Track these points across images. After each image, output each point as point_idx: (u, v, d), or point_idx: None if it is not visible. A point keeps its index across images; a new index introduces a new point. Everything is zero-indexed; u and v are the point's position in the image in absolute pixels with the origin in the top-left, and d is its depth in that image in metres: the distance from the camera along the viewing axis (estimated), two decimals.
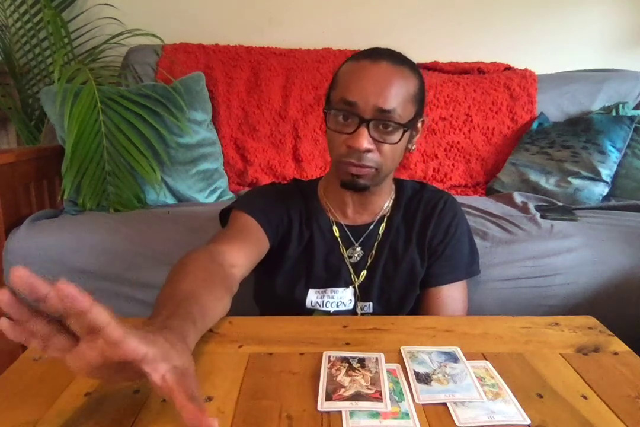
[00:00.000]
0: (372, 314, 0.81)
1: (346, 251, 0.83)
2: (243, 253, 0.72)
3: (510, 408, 0.46)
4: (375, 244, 0.83)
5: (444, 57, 1.87)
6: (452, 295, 0.82)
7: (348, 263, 0.82)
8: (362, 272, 0.82)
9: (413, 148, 0.79)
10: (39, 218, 1.24)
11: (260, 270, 0.82)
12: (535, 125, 1.68)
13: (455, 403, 0.46)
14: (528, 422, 0.44)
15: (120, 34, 1.70)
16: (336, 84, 0.75)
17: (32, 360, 0.53)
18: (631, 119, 1.53)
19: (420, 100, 0.76)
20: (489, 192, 1.63)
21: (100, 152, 1.31)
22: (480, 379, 0.50)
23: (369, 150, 0.71)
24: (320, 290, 0.81)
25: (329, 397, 0.46)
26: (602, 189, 1.46)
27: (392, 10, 1.90)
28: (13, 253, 1.14)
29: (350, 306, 0.81)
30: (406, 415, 0.44)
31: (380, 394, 0.47)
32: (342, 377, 0.49)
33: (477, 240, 1.02)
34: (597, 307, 1.07)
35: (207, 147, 1.50)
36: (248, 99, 1.69)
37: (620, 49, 1.95)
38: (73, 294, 0.34)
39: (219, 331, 0.60)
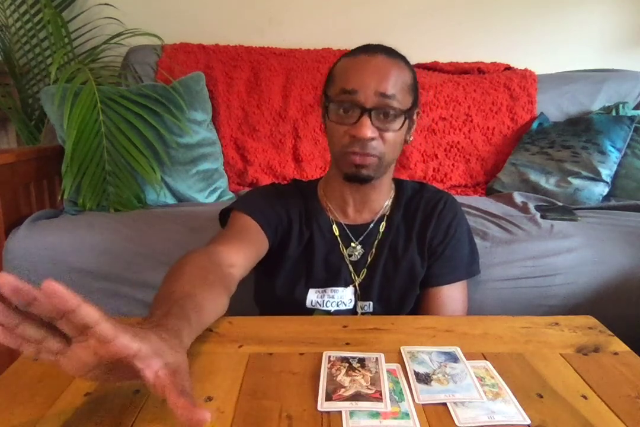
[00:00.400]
0: (372, 313, 0.81)
1: (346, 249, 0.83)
2: (242, 253, 0.72)
3: (510, 408, 0.46)
4: (376, 242, 0.83)
5: (444, 57, 1.87)
6: (452, 295, 0.82)
7: (348, 262, 0.82)
8: (362, 271, 0.82)
9: (410, 139, 0.81)
10: (39, 218, 1.24)
11: (260, 270, 0.82)
12: (535, 125, 1.68)
13: (455, 403, 0.46)
14: (528, 422, 0.44)
15: (120, 34, 1.71)
16: (333, 78, 0.77)
17: (32, 360, 0.53)
18: (631, 119, 1.53)
19: (415, 91, 0.78)
20: (489, 192, 1.63)
21: (100, 152, 1.31)
22: (480, 379, 0.50)
23: (372, 139, 0.72)
24: (320, 289, 0.81)
25: (329, 397, 0.46)
26: (602, 189, 1.46)
27: (392, 10, 1.90)
28: (13, 253, 1.14)
29: (351, 306, 0.81)
30: (406, 415, 0.44)
31: (380, 394, 0.47)
32: (342, 377, 0.49)
33: (477, 240, 1.02)
34: (597, 307, 1.07)
35: (207, 147, 1.50)
36: (248, 99, 1.69)
37: (620, 49, 1.95)
38: (60, 292, 0.33)
39: (219, 331, 0.60)
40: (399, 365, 0.53)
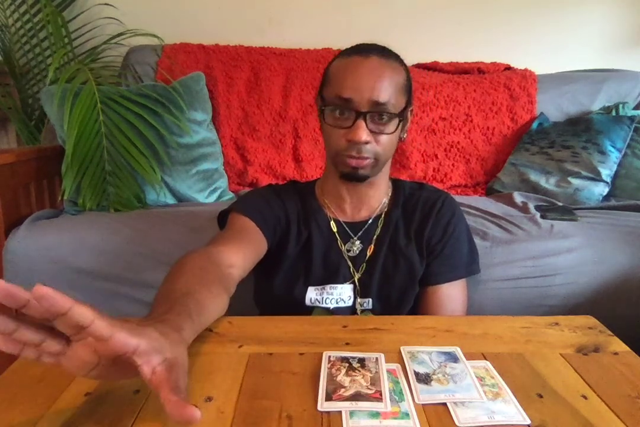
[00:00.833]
0: (371, 310, 0.81)
1: (344, 245, 0.83)
2: (240, 254, 0.72)
3: (510, 408, 0.46)
4: (374, 238, 0.84)
5: (444, 57, 1.87)
6: (451, 294, 0.82)
7: (347, 257, 0.83)
8: (362, 266, 0.82)
9: (405, 136, 0.82)
10: (39, 218, 1.24)
11: (259, 270, 0.82)
12: (535, 125, 1.68)
13: (455, 403, 0.46)
14: (528, 422, 0.44)
15: (120, 34, 1.71)
16: (329, 80, 0.78)
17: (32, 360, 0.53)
18: (631, 119, 1.53)
19: (409, 90, 0.79)
20: (489, 192, 1.63)
21: (100, 152, 1.31)
22: (480, 379, 0.50)
23: (367, 142, 0.74)
24: (320, 287, 0.81)
25: (329, 397, 0.46)
26: (602, 189, 1.46)
27: (392, 10, 1.90)
28: (13, 253, 1.14)
29: (350, 303, 0.81)
30: (406, 415, 0.44)
31: (380, 394, 0.47)
32: (342, 377, 0.49)
33: (477, 240, 1.02)
34: (597, 307, 1.07)
35: (207, 147, 1.50)
36: (248, 99, 1.70)
37: (620, 49, 1.95)
38: (49, 295, 0.34)
39: (219, 331, 0.60)
40: (399, 365, 0.53)
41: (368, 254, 0.83)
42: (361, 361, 0.53)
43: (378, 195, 0.86)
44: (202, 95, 1.54)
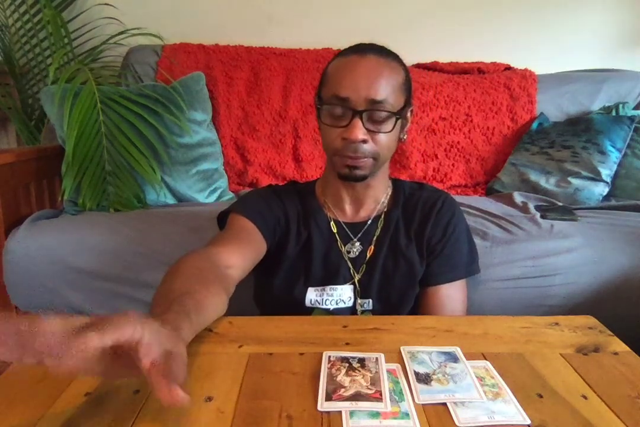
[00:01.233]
0: (371, 311, 0.81)
1: (344, 246, 0.83)
2: (239, 255, 0.72)
3: (510, 408, 0.46)
4: (374, 238, 0.84)
5: (444, 57, 1.87)
6: (451, 294, 0.82)
7: (347, 258, 0.83)
8: (362, 268, 0.82)
9: (405, 137, 0.82)
10: (39, 218, 1.24)
11: (260, 270, 0.82)
12: (535, 125, 1.68)
13: (455, 403, 0.46)
14: (528, 422, 0.44)
15: (120, 34, 1.71)
16: (326, 80, 0.77)
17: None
18: (631, 119, 1.53)
19: (408, 89, 0.78)
20: (489, 192, 1.63)
21: (100, 152, 1.31)
22: (480, 379, 0.50)
23: (364, 141, 0.73)
24: (319, 288, 0.81)
25: (329, 397, 0.46)
26: (602, 189, 1.46)
27: (392, 10, 1.90)
28: (13, 253, 1.14)
29: (350, 303, 0.81)
30: (406, 415, 0.44)
31: (380, 394, 0.47)
32: (342, 377, 0.49)
33: (477, 240, 1.02)
34: (597, 307, 1.07)
35: (207, 147, 1.50)
36: (248, 99, 1.70)
37: (620, 49, 1.95)
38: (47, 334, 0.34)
39: (219, 331, 0.60)
40: (399, 365, 0.53)
41: (368, 255, 0.83)
42: (361, 361, 0.53)
43: (377, 196, 0.86)
44: (202, 95, 1.54)
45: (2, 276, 1.17)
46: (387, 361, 0.53)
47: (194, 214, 1.25)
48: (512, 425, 0.43)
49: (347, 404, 0.45)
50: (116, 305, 1.14)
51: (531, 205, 1.31)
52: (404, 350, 0.56)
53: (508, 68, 1.85)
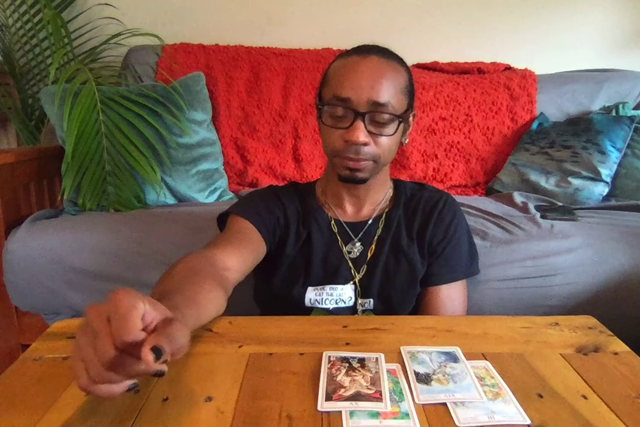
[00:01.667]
0: (372, 311, 0.81)
1: (345, 246, 0.83)
2: (237, 256, 0.71)
3: (510, 408, 0.46)
4: (375, 238, 0.83)
5: (444, 57, 1.87)
6: (452, 294, 0.82)
7: (347, 259, 0.82)
8: (362, 268, 0.82)
9: (406, 141, 0.81)
10: (39, 218, 1.24)
11: (259, 270, 0.82)
12: (535, 125, 1.68)
13: (455, 403, 0.46)
14: (528, 422, 0.44)
15: (120, 34, 1.70)
16: (328, 81, 0.77)
17: (32, 360, 0.53)
18: (631, 119, 1.53)
19: (410, 93, 0.78)
20: (489, 192, 1.63)
21: (100, 152, 1.31)
22: (480, 379, 0.50)
23: (365, 144, 0.73)
24: (319, 287, 0.81)
25: (329, 397, 0.46)
26: (602, 189, 1.46)
27: (392, 10, 1.90)
28: (13, 253, 1.14)
29: (351, 303, 0.81)
30: (406, 415, 0.44)
31: (380, 394, 0.47)
32: (342, 377, 0.49)
33: (477, 240, 1.02)
34: (597, 307, 1.07)
35: (207, 147, 1.50)
36: (248, 99, 1.70)
37: (620, 49, 1.95)
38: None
39: (219, 331, 0.60)
40: (399, 365, 0.53)
41: (369, 255, 0.83)
42: (361, 361, 0.53)
43: (378, 196, 0.86)
44: (202, 95, 1.54)
45: (2, 276, 1.17)
46: (387, 361, 0.53)
47: (194, 214, 1.25)
48: (512, 425, 0.43)
49: (347, 404, 0.45)
50: None
51: (531, 206, 1.31)
52: (404, 350, 0.56)
53: (508, 68, 1.85)
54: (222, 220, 0.86)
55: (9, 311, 1.25)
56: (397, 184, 0.90)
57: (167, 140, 1.40)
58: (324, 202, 0.87)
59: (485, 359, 0.55)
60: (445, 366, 0.52)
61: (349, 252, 0.83)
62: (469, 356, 0.55)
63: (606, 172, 1.46)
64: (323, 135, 0.78)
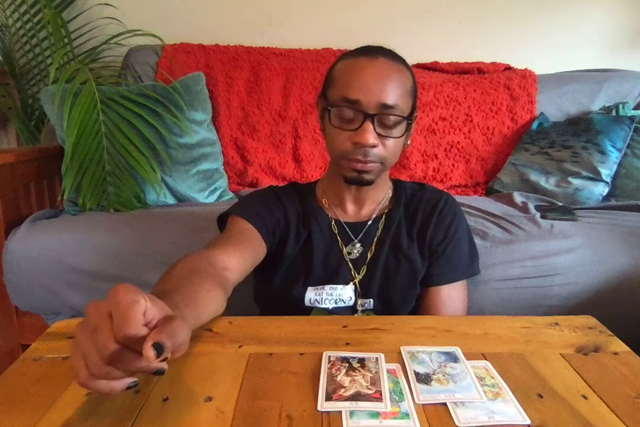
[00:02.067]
0: (372, 310, 0.81)
1: (345, 247, 0.83)
2: (237, 257, 0.71)
3: (510, 408, 0.46)
4: (375, 239, 0.83)
5: (444, 57, 1.87)
6: (452, 295, 0.82)
7: (347, 260, 0.82)
8: (362, 269, 0.82)
9: (408, 143, 0.81)
10: (39, 218, 1.24)
11: (259, 270, 0.82)
12: (535, 125, 1.68)
13: (455, 403, 0.46)
14: (528, 422, 0.44)
15: (120, 34, 1.70)
16: (333, 82, 0.76)
17: (32, 360, 0.53)
18: (631, 119, 1.53)
19: (415, 94, 0.78)
20: (489, 192, 1.63)
21: (100, 152, 1.31)
22: (480, 379, 0.50)
23: (374, 146, 0.73)
24: (319, 287, 0.81)
25: (329, 397, 0.46)
26: (602, 189, 1.46)
27: (392, 10, 1.90)
28: (13, 253, 1.14)
29: (350, 303, 0.81)
30: (406, 415, 0.44)
31: (380, 394, 0.47)
32: (342, 377, 0.49)
33: (477, 240, 1.02)
34: (597, 307, 1.07)
35: (207, 147, 1.50)
36: (248, 99, 1.70)
37: (620, 49, 1.95)
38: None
39: (219, 331, 0.60)
40: (399, 365, 0.53)
41: (369, 256, 0.83)
42: (361, 361, 0.53)
43: (379, 196, 0.86)
44: (202, 95, 1.54)
45: (2, 276, 1.17)
46: (387, 361, 0.53)
47: (194, 214, 1.25)
48: (512, 425, 0.43)
49: (347, 404, 0.45)
50: None
51: (531, 206, 1.31)
52: (404, 350, 0.56)
53: (508, 68, 1.85)
54: (222, 220, 0.86)
55: (9, 311, 1.25)
56: (397, 184, 0.90)
57: (167, 140, 1.40)
58: (324, 202, 0.87)
59: (485, 359, 0.55)
60: (445, 366, 0.52)
61: (349, 253, 0.83)
62: (469, 356, 0.55)
63: (606, 172, 1.46)
64: (329, 136, 0.77)
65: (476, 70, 1.82)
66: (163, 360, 0.37)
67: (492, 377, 0.51)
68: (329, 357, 0.53)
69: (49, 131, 1.78)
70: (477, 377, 0.50)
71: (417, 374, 0.51)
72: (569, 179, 1.48)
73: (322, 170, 1.67)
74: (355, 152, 0.73)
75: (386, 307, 0.82)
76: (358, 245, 0.83)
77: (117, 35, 1.70)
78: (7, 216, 1.22)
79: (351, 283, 0.81)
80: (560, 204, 1.39)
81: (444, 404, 0.46)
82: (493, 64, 1.85)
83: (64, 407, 0.45)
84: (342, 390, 0.47)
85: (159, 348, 0.36)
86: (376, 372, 0.51)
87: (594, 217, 1.24)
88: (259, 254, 0.78)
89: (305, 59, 1.76)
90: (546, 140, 1.60)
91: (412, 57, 1.85)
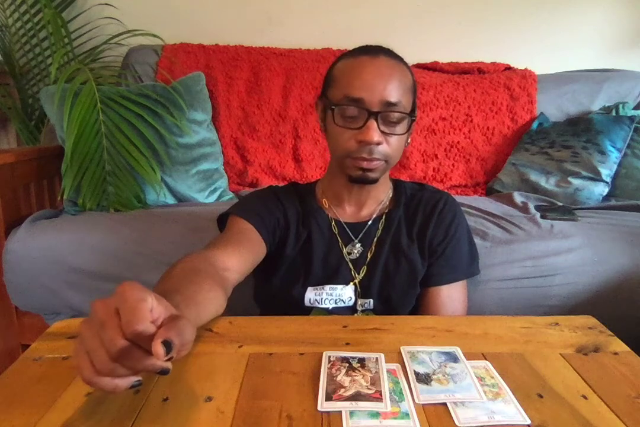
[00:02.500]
0: (372, 310, 0.81)
1: (345, 247, 0.83)
2: (237, 257, 0.71)
3: (510, 408, 0.46)
4: (375, 239, 0.84)
5: (444, 57, 1.87)
6: (452, 295, 0.82)
7: (348, 260, 0.82)
8: (363, 269, 0.82)
9: (409, 142, 0.82)
10: (39, 218, 1.24)
11: (259, 269, 0.82)
12: (535, 125, 1.68)
13: (455, 403, 0.46)
14: (528, 422, 0.44)
15: (120, 34, 1.70)
16: (334, 81, 0.76)
17: (32, 360, 0.53)
18: (631, 119, 1.53)
19: (415, 92, 0.79)
20: (489, 192, 1.63)
21: (100, 152, 1.31)
22: (480, 379, 0.50)
23: (379, 143, 0.73)
24: (319, 287, 0.81)
25: (329, 397, 0.46)
26: (602, 189, 1.46)
27: (392, 10, 1.90)
28: (13, 253, 1.14)
29: (350, 303, 0.81)
30: (406, 415, 0.44)
31: (380, 394, 0.47)
32: (342, 377, 0.49)
33: (477, 240, 1.02)
34: (597, 307, 1.07)
35: (207, 147, 1.50)
36: (248, 99, 1.70)
37: (620, 49, 1.95)
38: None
39: (219, 331, 0.60)
40: (399, 365, 0.53)
41: (369, 256, 0.83)
42: (361, 361, 0.53)
43: (379, 196, 0.86)
44: (202, 95, 1.54)
45: (2, 276, 1.17)
46: (387, 361, 0.53)
47: (194, 214, 1.25)
48: (512, 425, 0.43)
49: (347, 404, 0.45)
50: None
51: (531, 206, 1.31)
52: (404, 350, 0.56)
53: (508, 68, 1.85)
54: (222, 221, 0.86)
55: (9, 311, 1.25)
56: (397, 184, 0.90)
57: (167, 140, 1.40)
58: (324, 202, 0.87)
59: (485, 359, 0.55)
60: (445, 366, 0.52)
61: (349, 253, 0.83)
62: (469, 356, 0.55)
63: (606, 172, 1.46)
64: (332, 136, 0.77)
65: (476, 70, 1.82)
66: (169, 359, 0.36)
67: (492, 377, 0.51)
68: (329, 357, 0.53)
69: (49, 131, 1.78)
70: (477, 377, 0.50)
71: (417, 374, 0.51)
72: (569, 179, 1.48)
73: (322, 170, 1.67)
74: (360, 150, 0.74)
75: (386, 307, 0.82)
76: (358, 245, 0.83)
77: (117, 35, 1.70)
78: (7, 216, 1.22)
79: (351, 283, 0.81)
80: (560, 204, 1.39)
81: (444, 404, 0.46)
82: (493, 64, 1.85)
83: (64, 407, 0.45)
84: (342, 390, 0.47)
85: (168, 346, 0.36)
86: (376, 372, 0.51)
87: (594, 217, 1.24)
88: (259, 254, 0.78)
89: (305, 59, 1.76)
90: (546, 140, 1.60)
91: (412, 57, 1.85)
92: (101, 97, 1.32)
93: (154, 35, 1.68)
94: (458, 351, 0.56)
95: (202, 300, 0.55)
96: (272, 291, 0.83)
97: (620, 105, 1.66)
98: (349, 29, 1.90)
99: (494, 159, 1.70)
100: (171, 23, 1.88)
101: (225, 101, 1.68)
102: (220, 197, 1.51)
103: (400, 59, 0.77)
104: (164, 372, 0.38)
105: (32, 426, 0.42)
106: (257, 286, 0.89)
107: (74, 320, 0.63)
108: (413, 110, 0.78)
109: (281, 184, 0.94)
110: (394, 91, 0.72)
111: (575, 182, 1.47)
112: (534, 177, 1.54)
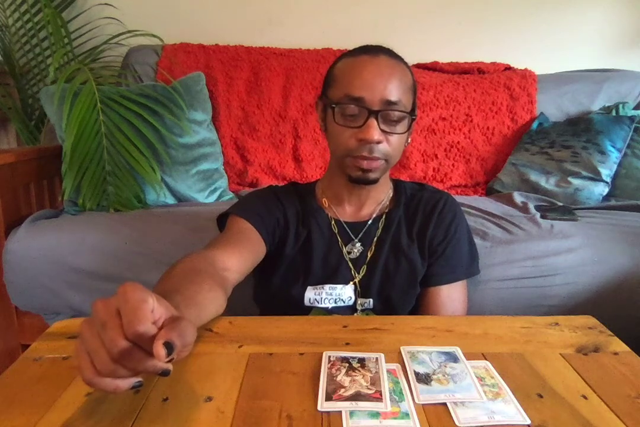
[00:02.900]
0: (372, 310, 0.81)
1: (345, 247, 0.83)
2: (237, 257, 0.71)
3: (510, 408, 0.46)
4: (375, 239, 0.84)
5: (444, 57, 1.87)
6: (452, 295, 0.82)
7: (347, 259, 0.82)
8: (362, 268, 0.82)
9: (408, 141, 0.82)
10: (39, 218, 1.24)
11: (259, 270, 0.82)
12: (535, 125, 1.68)
13: (455, 403, 0.46)
14: (528, 422, 0.44)
15: (120, 34, 1.70)
16: (335, 81, 0.77)
17: (32, 360, 0.53)
18: (631, 119, 1.53)
19: (415, 92, 0.79)
20: (489, 192, 1.63)
21: (100, 152, 1.31)
22: (480, 379, 0.50)
23: (379, 142, 0.73)
24: (318, 286, 0.81)
25: (329, 397, 0.46)
26: (602, 189, 1.46)
27: (392, 10, 1.90)
28: (13, 253, 1.14)
29: (350, 302, 0.81)
30: (406, 415, 0.44)
31: (380, 394, 0.47)
32: (342, 377, 0.49)
33: (477, 240, 1.02)
34: (597, 307, 1.07)
35: (207, 147, 1.50)
36: (248, 99, 1.70)
37: (620, 49, 1.95)
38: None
39: (219, 331, 0.60)
40: (399, 365, 0.53)
41: (369, 255, 0.83)
42: (361, 361, 0.53)
43: (379, 196, 0.86)
44: (202, 95, 1.54)
45: (2, 276, 1.17)
46: (387, 361, 0.53)
47: (194, 214, 1.25)
48: (512, 425, 0.43)
49: (347, 404, 0.45)
50: None
51: (531, 205, 1.31)
52: (404, 350, 0.56)
53: (508, 68, 1.85)
54: (222, 221, 0.86)
55: (9, 311, 1.25)
56: (397, 184, 0.90)
57: (167, 140, 1.40)
58: (324, 202, 0.87)
59: (485, 359, 0.55)
60: (445, 366, 0.52)
61: (349, 253, 0.83)
62: (469, 356, 0.55)
63: (606, 172, 1.46)
64: (333, 135, 0.77)
65: (476, 70, 1.82)
66: (169, 361, 0.36)
67: (492, 377, 0.51)
68: (329, 357, 0.53)
69: (49, 131, 1.78)
70: (477, 377, 0.50)
71: (417, 374, 0.51)
72: (569, 179, 1.48)
73: (322, 170, 1.67)
74: (360, 149, 0.74)
75: (386, 307, 0.82)
76: (358, 244, 0.83)
77: (117, 35, 1.70)
78: (7, 216, 1.22)
79: (351, 283, 0.81)
80: (560, 204, 1.39)
81: (444, 404, 0.46)
82: (493, 64, 1.85)
83: (64, 407, 0.45)
84: (342, 390, 0.47)
85: (169, 347, 0.36)
86: (376, 372, 0.51)
87: (594, 217, 1.24)
88: (259, 254, 0.78)
89: (305, 59, 1.76)
90: (546, 140, 1.60)
91: (412, 57, 1.85)
92: (101, 97, 1.32)
93: (154, 36, 1.68)
94: (458, 351, 0.56)
95: (202, 300, 0.55)
96: (272, 291, 0.83)
97: (620, 105, 1.66)
98: (349, 29, 1.90)
99: (494, 159, 1.70)
100: (171, 23, 1.88)
101: (225, 101, 1.68)
102: (220, 197, 1.51)
103: (400, 59, 0.77)
104: (164, 373, 0.38)
105: (32, 426, 0.42)
106: (257, 285, 0.89)
107: (74, 320, 0.63)
108: (413, 110, 0.78)
109: (281, 184, 0.94)
110: (394, 90, 0.72)
111: (575, 182, 1.47)
112: (534, 177, 1.54)
